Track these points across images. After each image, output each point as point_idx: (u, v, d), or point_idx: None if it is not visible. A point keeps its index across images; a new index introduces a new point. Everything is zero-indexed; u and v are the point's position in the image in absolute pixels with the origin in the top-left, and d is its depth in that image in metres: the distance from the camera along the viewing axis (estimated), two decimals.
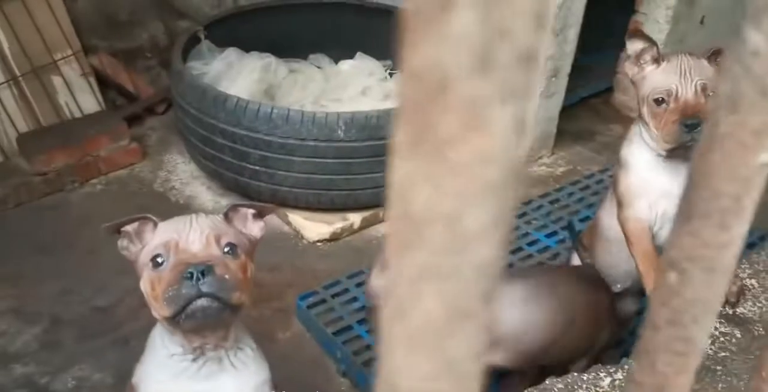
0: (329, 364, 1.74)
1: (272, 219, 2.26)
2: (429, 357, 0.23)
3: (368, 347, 1.70)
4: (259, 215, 1.10)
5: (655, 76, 1.17)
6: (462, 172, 0.20)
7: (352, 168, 2.12)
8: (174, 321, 0.95)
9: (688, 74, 1.14)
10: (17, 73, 2.32)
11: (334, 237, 2.17)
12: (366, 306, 1.81)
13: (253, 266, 1.04)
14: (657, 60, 1.19)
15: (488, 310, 0.22)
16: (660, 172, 1.23)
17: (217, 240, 0.97)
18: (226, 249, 0.98)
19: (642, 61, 1.19)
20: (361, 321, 1.77)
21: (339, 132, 2.06)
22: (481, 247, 0.21)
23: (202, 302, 0.93)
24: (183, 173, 2.45)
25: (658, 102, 1.18)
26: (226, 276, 0.95)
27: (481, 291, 0.22)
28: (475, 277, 0.22)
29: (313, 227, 2.17)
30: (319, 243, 2.16)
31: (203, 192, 2.37)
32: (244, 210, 1.08)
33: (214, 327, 0.98)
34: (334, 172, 2.12)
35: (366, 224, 2.22)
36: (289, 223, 2.22)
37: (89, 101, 2.52)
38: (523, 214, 2.19)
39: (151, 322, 1.08)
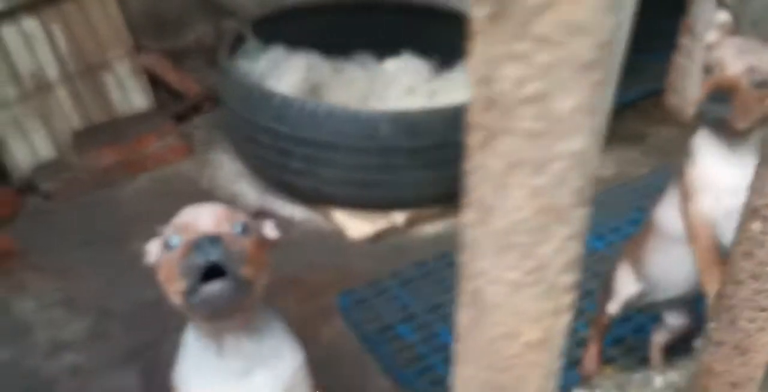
0: (370, 362, 1.73)
1: (314, 217, 2.26)
2: (516, 262, 0.21)
3: (411, 346, 1.68)
4: (278, 227, 1.09)
5: (719, 47, 1.13)
6: (549, 47, 0.18)
7: (396, 167, 2.11)
8: (190, 306, 0.93)
9: (745, 54, 1.09)
10: (72, 70, 2.38)
11: (377, 237, 2.16)
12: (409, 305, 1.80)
13: (266, 257, 1.02)
14: (729, 34, 1.15)
15: (581, 216, 0.20)
16: (727, 165, 1.17)
17: (229, 219, 0.96)
18: (237, 228, 0.97)
19: (718, 33, 1.15)
20: (403, 321, 1.76)
21: (383, 130, 2.05)
22: (574, 134, 0.19)
23: (212, 287, 0.91)
24: (228, 171, 2.48)
25: (707, 70, 1.14)
26: (235, 249, 0.93)
27: (574, 188, 0.20)
28: (568, 170, 0.19)
29: (356, 226, 2.17)
30: (361, 242, 2.15)
31: (248, 189, 2.39)
32: (265, 221, 1.08)
33: (230, 310, 0.95)
34: (378, 171, 2.11)
35: (410, 224, 2.20)
36: (331, 222, 2.22)
37: (139, 99, 2.57)
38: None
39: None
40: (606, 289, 1.50)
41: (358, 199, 2.17)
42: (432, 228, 2.23)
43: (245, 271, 0.91)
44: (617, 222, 2.11)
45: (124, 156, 2.35)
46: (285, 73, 2.45)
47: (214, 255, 0.88)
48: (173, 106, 2.69)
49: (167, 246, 0.94)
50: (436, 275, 1.91)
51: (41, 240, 2.07)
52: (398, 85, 2.60)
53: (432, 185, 2.18)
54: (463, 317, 0.24)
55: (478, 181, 0.21)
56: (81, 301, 1.85)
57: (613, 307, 1.47)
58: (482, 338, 0.23)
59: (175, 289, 0.93)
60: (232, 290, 0.90)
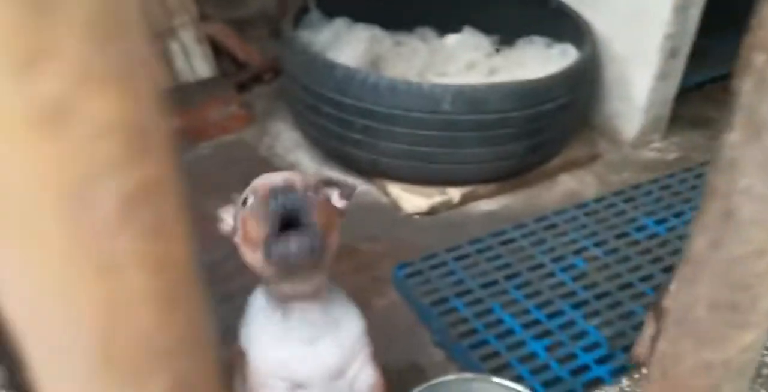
0: (424, 334, 1.75)
1: (370, 190, 2.28)
2: None
3: (465, 320, 1.69)
4: (344, 195, 1.10)
5: None
6: None
7: (456, 141, 2.10)
8: (268, 262, 0.95)
9: None
10: None
11: (432, 211, 2.16)
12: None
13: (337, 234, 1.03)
14: None
15: None
16: None
17: (300, 181, 0.99)
18: (311, 191, 0.98)
19: None
20: (457, 295, 1.76)
21: (445, 104, 2.04)
22: None
23: (290, 237, 0.92)
24: (287, 140, 2.50)
25: None
26: (309, 201, 0.94)
27: None
28: None
29: (412, 199, 2.17)
30: (416, 216, 2.16)
31: (305, 159, 2.41)
32: (328, 190, 1.09)
33: (305, 265, 0.97)
34: (437, 145, 2.10)
35: (465, 200, 2.20)
36: (387, 194, 2.22)
37: (203, 67, 2.61)
38: (631, 199, 2.11)
39: (257, 280, 1.10)
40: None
41: (414, 173, 2.17)
42: (487, 205, 2.22)
43: (319, 222, 0.93)
44: (681, 207, 2.06)
45: (188, 122, 2.40)
46: (347, 45, 2.45)
47: (289, 204, 0.91)
48: (235, 76, 2.72)
49: (243, 203, 0.97)
50: (491, 252, 1.91)
51: None
52: (458, 61, 2.58)
53: (490, 162, 2.16)
54: (702, 238, 0.24)
55: (752, 98, 0.21)
56: None
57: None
58: (727, 257, 0.23)
59: (254, 243, 0.95)
60: (308, 240, 0.91)
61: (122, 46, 0.13)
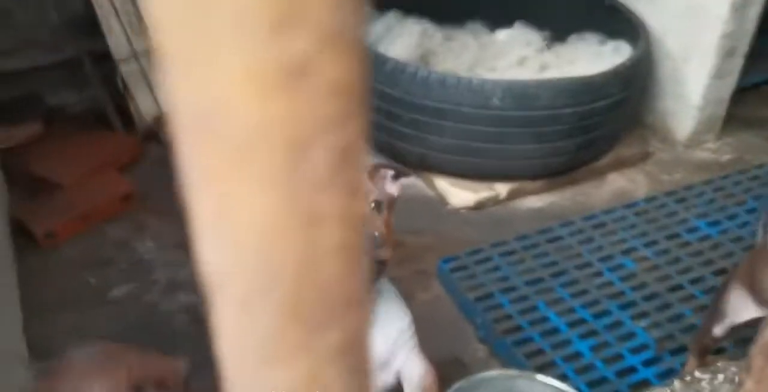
0: (467, 328, 1.75)
1: (417, 183, 2.28)
2: None
3: (509, 317, 1.68)
4: (397, 176, 1.11)
5: None
6: None
7: (504, 137, 2.09)
8: None
9: None
10: None
11: (478, 206, 2.16)
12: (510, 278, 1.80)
13: (393, 222, 1.05)
14: None
15: None
16: None
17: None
18: (372, 206, 0.99)
19: None
20: (502, 291, 1.76)
21: (495, 100, 2.03)
22: None
23: None
24: None
25: None
26: (375, 234, 0.95)
27: None
28: None
29: (459, 194, 2.17)
30: (462, 211, 2.15)
31: None
32: (384, 170, 1.10)
33: None
34: (485, 140, 2.09)
35: (512, 196, 2.18)
36: (434, 188, 2.23)
37: None
38: (683, 199, 2.06)
39: None
40: (714, 309, 1.36)
41: (462, 168, 2.16)
42: (533, 201, 2.20)
43: (383, 254, 0.95)
44: (734, 209, 2.01)
45: None
46: (398, 38, 2.45)
47: None
48: None
49: None
50: (537, 249, 1.89)
51: (161, 185, 2.19)
52: (509, 56, 2.56)
53: (539, 158, 2.14)
54: None
55: None
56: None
57: (720, 331, 1.36)
58: None
59: None
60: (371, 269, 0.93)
61: (354, 17, 0.15)
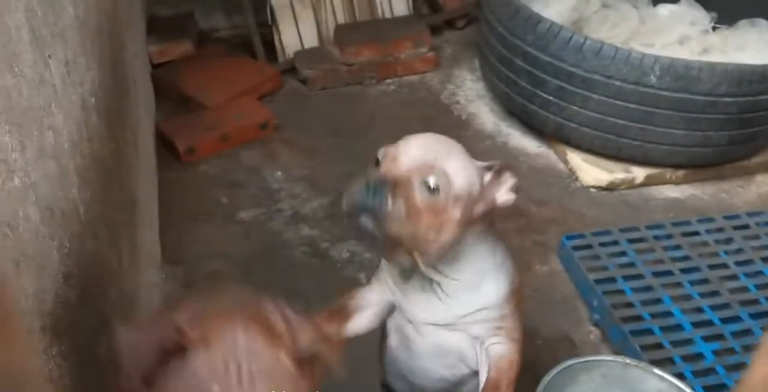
0: (581, 308, 1.70)
1: (548, 154, 2.20)
2: None
3: (629, 305, 1.62)
4: (516, 190, 1.00)
5: None
6: None
7: (654, 118, 1.96)
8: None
9: None
10: None
11: (610, 187, 2.06)
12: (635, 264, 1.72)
13: (459, 218, 0.93)
14: None
15: None
16: None
17: (426, 173, 0.91)
18: (428, 186, 0.90)
19: None
20: (627, 278, 1.68)
21: (651, 76, 1.90)
22: None
23: (364, 220, 0.90)
24: (469, 90, 2.47)
25: None
26: (400, 207, 0.87)
27: None
28: None
29: (592, 171, 2.08)
30: (592, 189, 2.07)
31: (485, 112, 2.37)
32: (509, 175, 0.99)
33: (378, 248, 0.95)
34: (632, 119, 1.98)
35: (649, 181, 2.07)
36: (566, 162, 2.14)
37: (400, 4, 2.61)
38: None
39: None
40: None
41: (601, 145, 2.06)
42: (672, 191, 2.08)
43: (394, 229, 0.89)
44: None
45: (379, 57, 2.42)
46: (555, 0, 2.34)
47: (370, 202, 0.86)
48: (430, 17, 2.70)
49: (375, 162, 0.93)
50: (670, 241, 1.79)
51: (294, 119, 2.24)
52: (669, 33, 2.39)
53: (687, 146, 2.01)
54: None
55: None
56: (322, 182, 1.99)
57: None
58: None
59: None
60: (375, 237, 0.90)
61: None
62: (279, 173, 2.02)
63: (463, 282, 1.03)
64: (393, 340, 1.13)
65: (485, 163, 0.99)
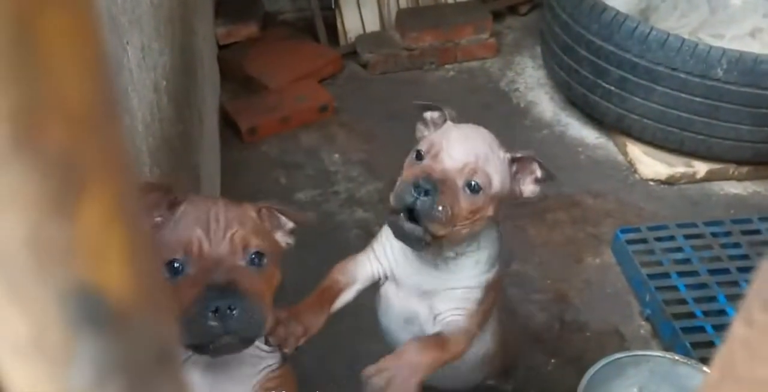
0: (632, 302, 1.69)
1: (607, 144, 2.17)
2: None
3: (682, 301, 1.60)
4: (544, 179, 1.01)
5: None
6: None
7: (719, 113, 1.91)
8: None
9: None
10: None
11: (669, 181, 2.02)
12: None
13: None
14: None
15: None
16: None
17: (470, 175, 0.93)
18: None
19: None
20: (681, 274, 1.66)
21: (718, 70, 1.85)
22: None
23: (406, 219, 0.92)
24: (530, 78, 2.45)
25: None
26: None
27: None
28: None
29: (651, 164, 2.04)
30: (651, 182, 2.03)
31: (545, 100, 2.35)
32: (534, 165, 1.00)
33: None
34: (696, 113, 1.93)
35: (710, 177, 2.02)
36: (625, 154, 2.11)
37: None
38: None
39: None
40: None
41: (662, 137, 2.02)
42: (734, 187, 2.03)
43: (434, 229, 0.93)
44: None
45: (440, 42, 2.42)
46: None
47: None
48: (492, 2, 2.68)
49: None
50: (729, 239, 1.75)
51: (354, 103, 2.27)
52: (741, 25, 2.31)
53: (753, 142, 1.95)
54: None
55: None
56: (378, 166, 2.02)
57: None
58: None
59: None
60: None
61: None
62: (336, 156, 2.06)
63: (469, 262, 1.07)
64: (378, 300, 1.15)
65: (513, 155, 1.01)
